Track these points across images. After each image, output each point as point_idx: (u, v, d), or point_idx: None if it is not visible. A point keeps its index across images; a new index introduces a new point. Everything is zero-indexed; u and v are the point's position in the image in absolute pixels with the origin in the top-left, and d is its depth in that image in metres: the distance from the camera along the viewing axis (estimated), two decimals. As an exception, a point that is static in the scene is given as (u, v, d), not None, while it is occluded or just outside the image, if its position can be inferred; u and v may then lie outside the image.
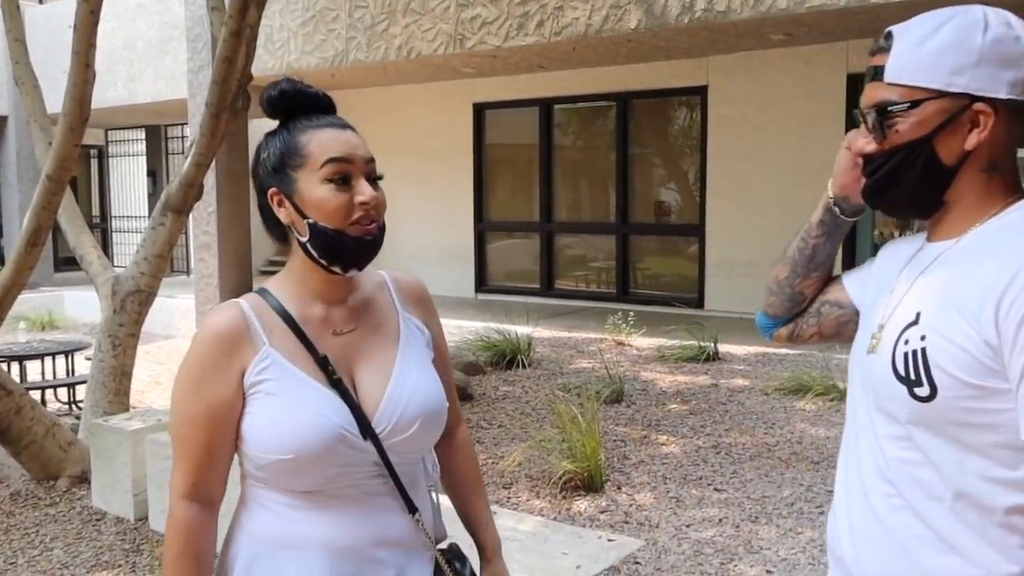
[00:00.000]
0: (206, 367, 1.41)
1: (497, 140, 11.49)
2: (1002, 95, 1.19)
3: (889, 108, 1.24)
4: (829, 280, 1.57)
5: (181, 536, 1.43)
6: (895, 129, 1.25)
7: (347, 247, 1.41)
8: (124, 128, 16.34)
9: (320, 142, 1.42)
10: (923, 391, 1.18)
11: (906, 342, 1.21)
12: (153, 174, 16.00)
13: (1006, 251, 1.16)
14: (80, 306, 12.58)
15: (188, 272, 14.35)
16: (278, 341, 1.44)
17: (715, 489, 4.52)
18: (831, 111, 8.81)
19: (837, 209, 1.50)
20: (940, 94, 1.21)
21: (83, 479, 4.90)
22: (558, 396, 5.83)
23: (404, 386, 1.47)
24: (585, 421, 4.74)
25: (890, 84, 1.24)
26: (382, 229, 1.45)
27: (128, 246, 16.03)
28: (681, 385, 6.62)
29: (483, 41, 8.69)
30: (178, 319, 11.21)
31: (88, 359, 6.90)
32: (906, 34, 1.24)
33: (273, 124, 1.50)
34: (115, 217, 17.11)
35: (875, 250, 1.58)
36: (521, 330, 7.96)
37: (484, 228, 11.48)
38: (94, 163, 17.42)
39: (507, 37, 8.54)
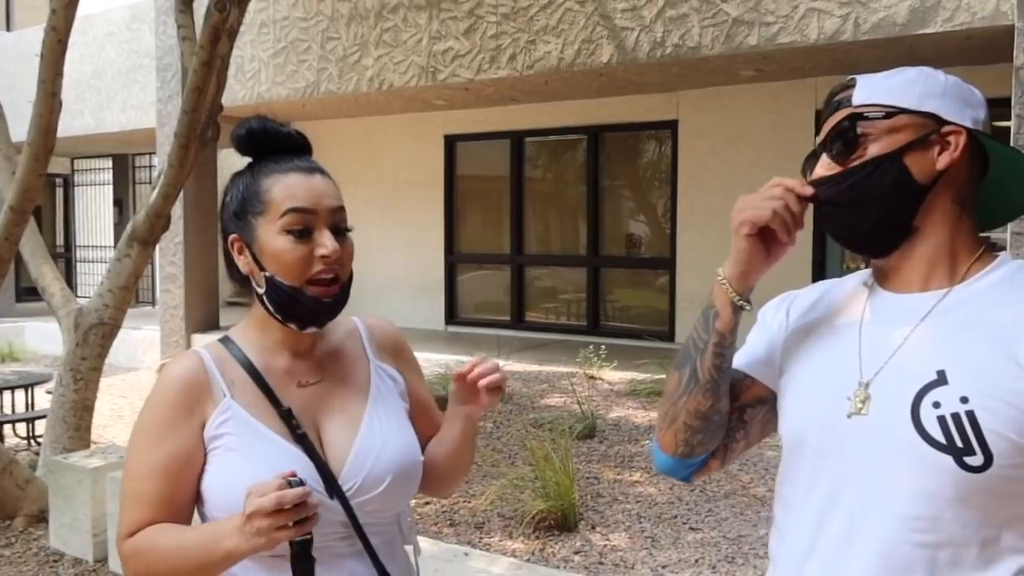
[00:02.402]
0: (164, 419, 1.33)
1: (468, 172, 11.48)
2: (967, 124, 1.18)
3: (865, 114, 1.20)
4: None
5: (138, 550, 1.30)
6: (864, 146, 1.19)
7: (303, 306, 1.33)
8: (91, 157, 16.14)
9: (282, 188, 1.33)
10: (975, 460, 1.04)
11: (936, 404, 1.08)
12: (119, 204, 15.80)
13: None
14: (42, 338, 12.30)
15: (153, 303, 14.13)
16: (240, 393, 1.36)
17: (690, 528, 4.47)
18: (800, 146, 8.89)
19: (745, 304, 1.31)
20: (911, 112, 1.18)
21: (40, 518, 4.74)
22: (530, 432, 5.76)
23: (373, 441, 1.38)
24: (558, 458, 4.67)
25: (860, 105, 1.21)
26: (345, 287, 1.36)
27: (93, 276, 15.77)
28: (654, 420, 6.56)
29: (455, 74, 8.70)
30: (143, 351, 11.00)
31: (49, 393, 6.71)
32: (871, 76, 1.24)
33: (243, 158, 1.43)
34: (80, 247, 16.84)
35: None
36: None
37: (455, 260, 11.43)
38: (59, 192, 17.16)
39: (479, 70, 8.56)
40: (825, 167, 1.23)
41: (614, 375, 8.07)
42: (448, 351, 9.19)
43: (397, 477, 1.38)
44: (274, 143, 1.39)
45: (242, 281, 1.40)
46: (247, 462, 1.31)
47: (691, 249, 9.60)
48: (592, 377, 8.07)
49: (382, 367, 1.49)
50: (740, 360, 1.38)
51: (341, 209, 1.37)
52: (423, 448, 1.52)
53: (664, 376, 7.35)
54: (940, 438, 1.06)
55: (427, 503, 4.84)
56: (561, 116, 10.28)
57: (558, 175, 11.07)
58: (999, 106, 6.83)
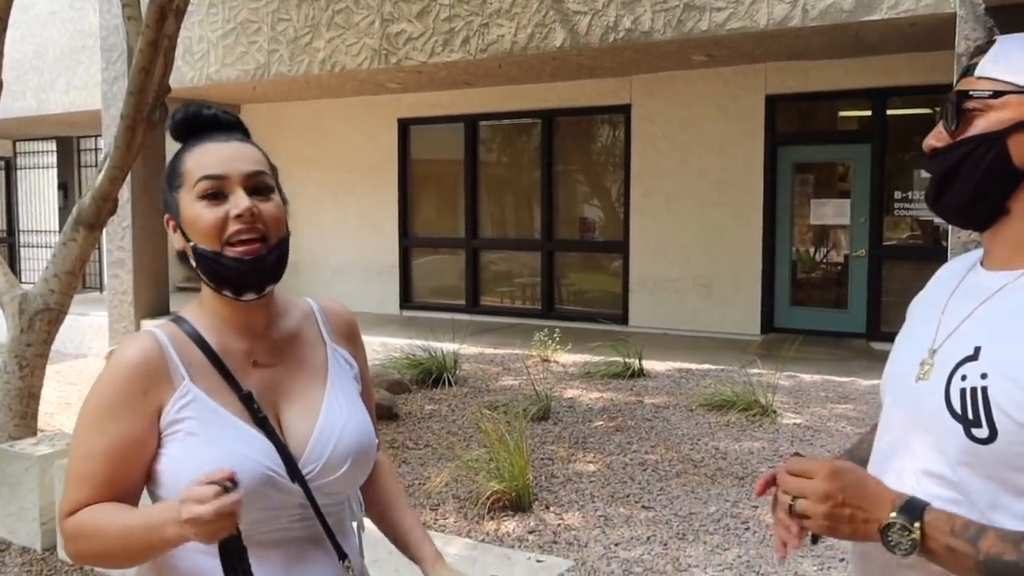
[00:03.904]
0: (116, 401, 1.30)
1: (422, 156, 11.43)
2: None
3: (971, 92, 1.20)
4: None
5: (80, 530, 1.28)
6: (971, 121, 1.20)
7: (228, 269, 1.31)
8: (34, 139, 15.75)
9: (196, 158, 1.34)
10: (981, 433, 1.10)
11: (963, 377, 1.14)
12: (64, 187, 15.44)
13: None
14: (-16, 324, 12.03)
15: (101, 289, 13.87)
16: (199, 376, 1.34)
17: (643, 507, 4.54)
18: (750, 130, 9.01)
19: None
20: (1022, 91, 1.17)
21: (-14, 508, 4.65)
22: (485, 414, 5.79)
23: (333, 424, 1.39)
24: (513, 440, 4.71)
25: (979, 77, 1.21)
26: (275, 247, 1.34)
27: (38, 261, 15.42)
28: (607, 402, 6.64)
29: (408, 57, 8.65)
30: (90, 337, 10.81)
31: (-8, 380, 6.57)
32: (1007, 41, 1.23)
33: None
34: (24, 231, 16.45)
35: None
36: (447, 347, 7.90)
37: (409, 244, 11.40)
38: (1, 175, 16.73)
39: (433, 53, 8.51)
40: (936, 135, 1.25)
41: (568, 358, 8.13)
42: (403, 335, 9.17)
43: (356, 459, 1.39)
44: (202, 125, 1.39)
45: (185, 261, 1.39)
46: (210, 447, 1.29)
47: (644, 233, 9.68)
48: (546, 360, 8.12)
49: (338, 351, 1.49)
50: None
51: (260, 173, 1.35)
52: None
53: (618, 358, 7.43)
54: (958, 408, 1.13)
55: (382, 486, 4.85)
56: (515, 100, 10.28)
57: (512, 159, 11.08)
58: (941, 92, 7.00)
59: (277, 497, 1.31)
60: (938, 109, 1.29)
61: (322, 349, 1.47)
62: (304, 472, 1.34)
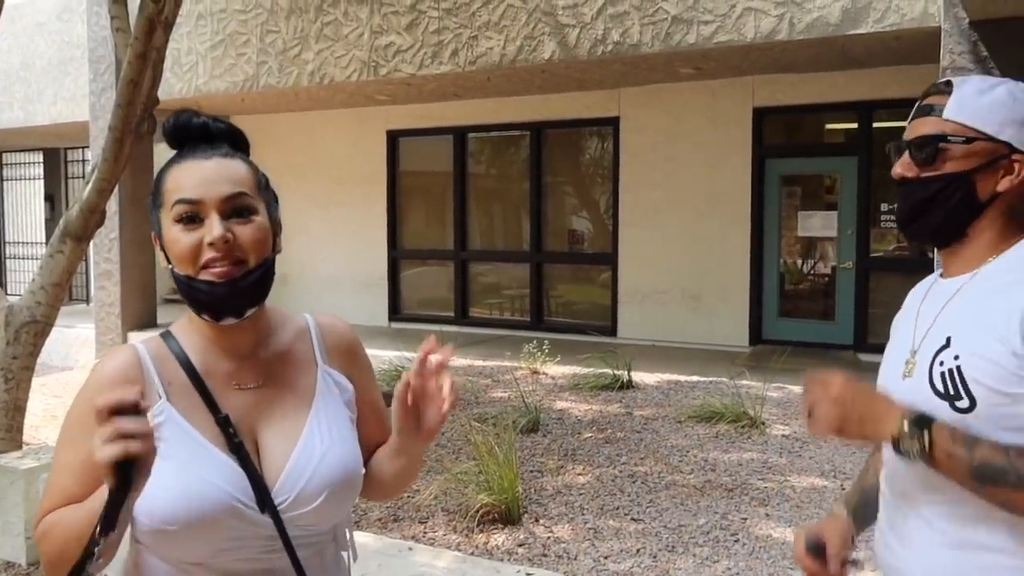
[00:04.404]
0: (88, 416, 1.19)
1: (411, 168, 11.44)
2: None
3: (949, 137, 1.40)
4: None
5: (45, 534, 1.24)
6: (944, 160, 1.41)
7: (201, 293, 1.26)
8: (20, 151, 15.68)
9: (173, 179, 1.29)
10: (963, 404, 1.31)
11: (941, 363, 1.36)
12: (51, 199, 15.37)
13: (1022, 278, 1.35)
14: (-31, 336, 11.93)
15: (88, 301, 13.80)
16: (176, 395, 1.29)
17: (632, 519, 4.53)
18: (738, 142, 9.06)
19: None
20: (990, 138, 1.39)
21: (-30, 522, 4.60)
22: (474, 426, 5.77)
23: (311, 454, 1.31)
24: (502, 452, 4.70)
25: (947, 120, 1.41)
26: (255, 269, 1.28)
27: (24, 273, 15.33)
28: (596, 414, 6.64)
29: (397, 69, 8.66)
30: (76, 350, 10.74)
31: (-23, 393, 6.51)
32: (966, 85, 1.42)
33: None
34: (10, 243, 16.36)
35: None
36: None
37: (398, 256, 11.39)
38: (-13, 186, 16.64)
39: (422, 65, 8.53)
40: (906, 166, 1.46)
41: (557, 370, 8.13)
42: (392, 347, 9.15)
43: (333, 492, 1.31)
44: (192, 134, 1.34)
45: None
46: (178, 473, 1.23)
47: (633, 244, 9.71)
48: (536, 372, 8.12)
49: (330, 373, 1.41)
50: None
51: (238, 195, 1.28)
52: (372, 454, 1.47)
53: (607, 370, 7.42)
54: (941, 388, 1.35)
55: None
56: (504, 112, 10.30)
57: (501, 171, 11.09)
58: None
59: (242, 528, 1.25)
60: (901, 139, 1.45)
61: (312, 370, 1.40)
62: (276, 502, 1.28)
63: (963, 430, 1.30)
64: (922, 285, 1.58)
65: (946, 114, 1.41)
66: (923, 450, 1.29)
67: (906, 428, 1.30)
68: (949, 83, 1.44)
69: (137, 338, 1.38)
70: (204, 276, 1.25)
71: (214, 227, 1.25)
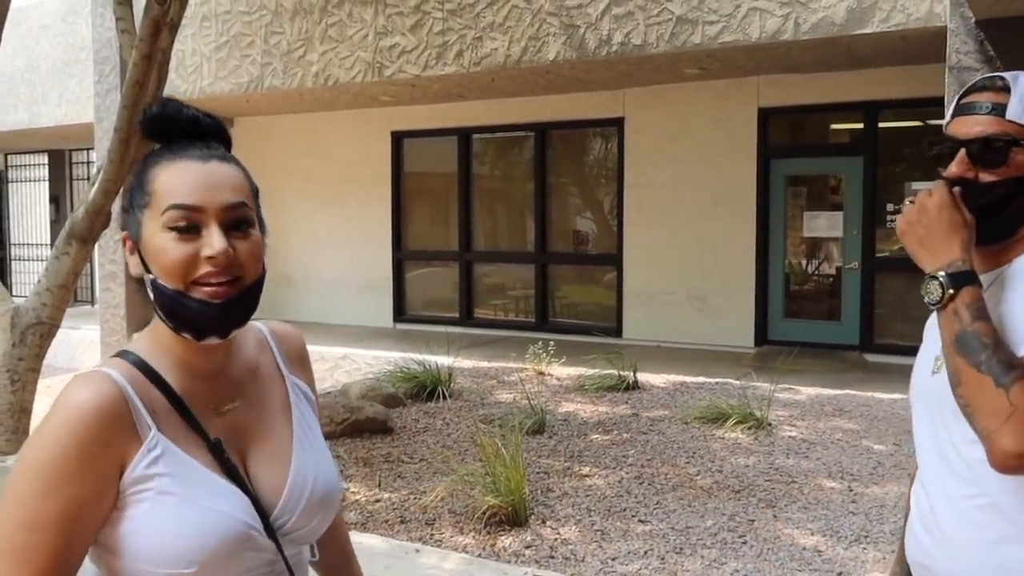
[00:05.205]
0: (71, 456, 1.06)
1: (416, 169, 11.44)
2: None
3: (1021, 141, 1.36)
4: None
5: None
6: (1010, 162, 1.36)
7: (191, 311, 1.12)
8: (26, 152, 15.72)
9: (167, 179, 1.13)
10: None
11: None
12: (56, 200, 15.41)
13: None
14: (-25, 338, 11.96)
15: (93, 302, 13.82)
16: (164, 424, 1.15)
17: (639, 521, 4.52)
18: (743, 142, 9.04)
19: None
20: None
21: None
22: (480, 428, 5.76)
23: (307, 472, 1.25)
24: (508, 454, 4.68)
25: (1011, 121, 1.36)
26: (249, 288, 1.16)
27: (29, 275, 15.36)
28: (602, 415, 6.63)
29: (402, 70, 8.66)
30: (82, 351, 10.76)
31: (-17, 395, 6.52)
32: (1020, 82, 1.38)
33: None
34: (15, 245, 16.39)
35: None
36: (441, 360, 7.87)
37: (402, 257, 11.38)
38: (-8, 188, 16.68)
39: (426, 66, 8.53)
40: (964, 166, 1.39)
41: (563, 371, 8.12)
42: (397, 348, 9.15)
43: (327, 509, 1.28)
44: (177, 128, 1.19)
45: (141, 286, 1.19)
46: (186, 506, 1.12)
47: (638, 245, 9.69)
48: (541, 373, 8.10)
49: (296, 383, 1.34)
50: None
51: (240, 205, 1.16)
52: None
53: (613, 371, 7.41)
54: None
55: (377, 500, 4.82)
56: (508, 113, 10.30)
57: (506, 172, 11.09)
58: (933, 105, 7.03)
59: (256, 556, 1.17)
60: (943, 136, 1.39)
61: (280, 382, 1.32)
62: (276, 525, 1.20)
63: (984, 303, 1.31)
64: None
65: (1010, 115, 1.36)
66: (939, 300, 1.31)
67: (942, 274, 1.32)
68: (1003, 79, 1.38)
69: (100, 364, 1.26)
70: (197, 294, 1.12)
71: (215, 240, 1.12)
